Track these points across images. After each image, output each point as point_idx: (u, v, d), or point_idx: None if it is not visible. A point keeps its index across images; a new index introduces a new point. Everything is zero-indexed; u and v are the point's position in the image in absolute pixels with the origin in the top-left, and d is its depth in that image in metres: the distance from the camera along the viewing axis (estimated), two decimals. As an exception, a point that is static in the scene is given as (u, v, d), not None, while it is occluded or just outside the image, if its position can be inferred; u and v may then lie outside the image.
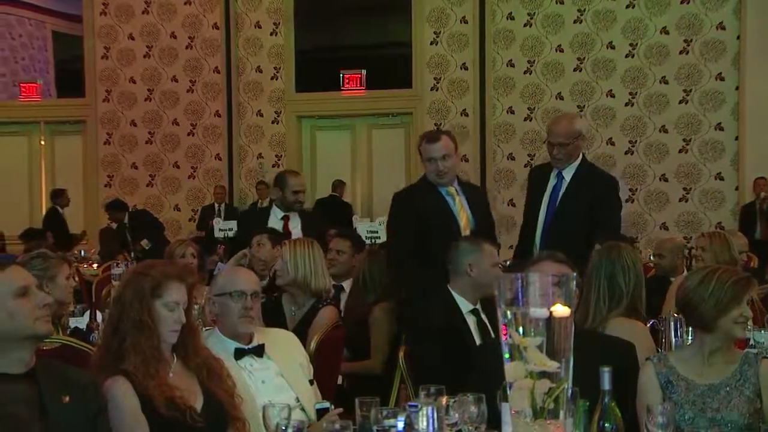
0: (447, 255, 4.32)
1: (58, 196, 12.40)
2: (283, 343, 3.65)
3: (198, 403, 3.05)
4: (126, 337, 3.02)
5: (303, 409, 3.39)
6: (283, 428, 2.60)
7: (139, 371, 2.97)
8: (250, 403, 3.26)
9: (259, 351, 3.52)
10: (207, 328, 3.86)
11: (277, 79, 12.80)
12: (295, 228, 6.33)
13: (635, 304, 3.79)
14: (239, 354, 3.48)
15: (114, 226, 11.43)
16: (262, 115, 12.86)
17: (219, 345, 3.44)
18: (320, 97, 12.78)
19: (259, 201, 12.59)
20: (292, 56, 12.69)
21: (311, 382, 3.59)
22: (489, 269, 4.21)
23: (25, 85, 13.66)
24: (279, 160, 12.83)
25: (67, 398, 2.69)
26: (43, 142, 13.62)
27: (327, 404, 3.34)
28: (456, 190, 5.04)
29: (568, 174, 5.28)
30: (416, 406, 2.45)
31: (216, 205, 12.54)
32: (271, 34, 12.72)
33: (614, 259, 3.82)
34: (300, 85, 12.74)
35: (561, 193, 5.25)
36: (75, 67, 13.63)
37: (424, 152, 4.99)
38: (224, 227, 9.52)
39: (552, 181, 5.31)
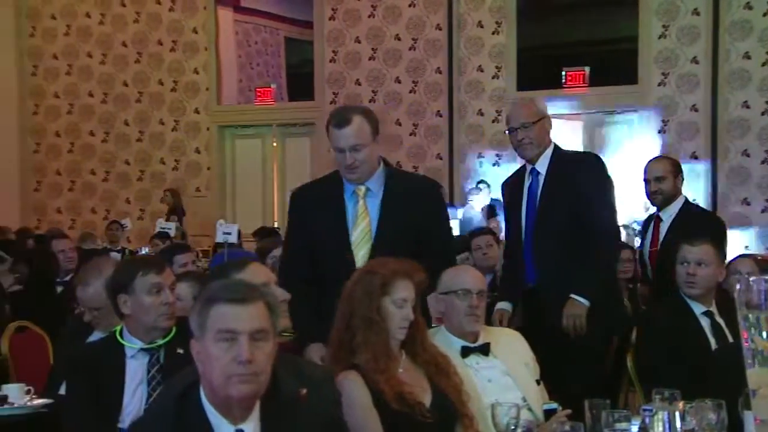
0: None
1: None
2: (509, 342, 3.64)
3: (426, 399, 3.10)
4: (356, 333, 3.12)
5: (530, 409, 3.37)
6: (513, 428, 2.60)
7: (369, 366, 3.06)
8: (476, 401, 3.28)
9: (485, 349, 3.53)
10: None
11: (498, 78, 12.79)
12: None
13: None
14: (465, 352, 3.50)
15: None
16: (482, 114, 12.89)
17: (445, 343, 3.48)
18: (542, 96, 12.63)
19: (478, 200, 12.67)
20: (513, 55, 12.63)
21: (538, 382, 3.56)
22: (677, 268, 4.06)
23: (260, 89, 14.34)
24: (499, 159, 12.81)
25: (304, 391, 2.81)
26: (275, 144, 14.30)
27: (555, 405, 3.30)
28: (367, 190, 3.85)
29: (542, 167, 4.42)
30: (651, 410, 2.39)
31: (437, 203, 12.67)
32: (493, 33, 12.72)
33: None
34: (521, 83, 12.66)
35: (539, 192, 4.39)
36: (305, 71, 14.21)
37: (330, 139, 3.83)
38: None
39: (527, 182, 4.47)
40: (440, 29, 12.89)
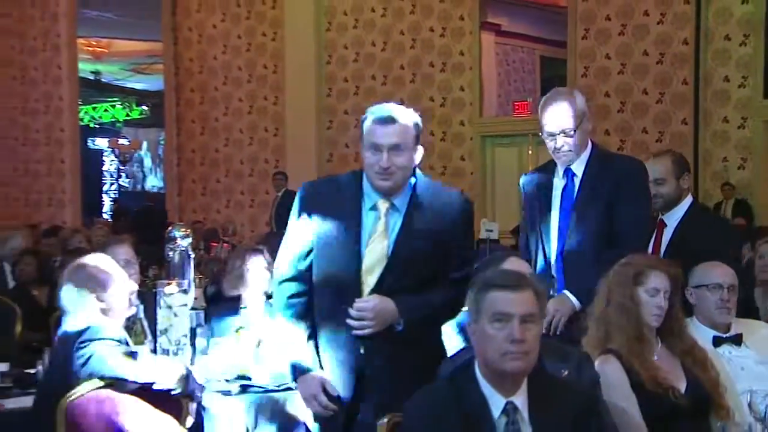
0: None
1: None
2: (762, 333, 3.44)
3: (681, 385, 2.96)
4: (612, 320, 3.03)
5: (786, 399, 3.12)
6: (770, 415, 2.41)
7: (623, 350, 2.98)
8: (732, 393, 3.09)
9: (737, 340, 3.35)
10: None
11: (744, 87, 11.98)
12: None
13: None
14: (717, 342, 3.35)
15: None
16: (728, 121, 12.14)
17: (696, 334, 3.31)
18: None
19: (724, 201, 11.94)
20: (761, 63, 11.78)
21: (793, 374, 3.30)
22: None
23: (517, 103, 14.34)
24: (744, 162, 12.03)
25: (566, 371, 2.76)
26: (530, 152, 14.18)
27: (812, 397, 3.02)
28: (392, 206, 2.90)
29: (579, 168, 3.48)
30: None
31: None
32: (740, 44, 11.92)
33: None
34: (768, 91, 11.80)
35: (575, 196, 3.46)
36: (558, 85, 13.93)
37: (367, 135, 2.89)
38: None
39: (560, 183, 3.52)
40: (687, 44, 12.27)
